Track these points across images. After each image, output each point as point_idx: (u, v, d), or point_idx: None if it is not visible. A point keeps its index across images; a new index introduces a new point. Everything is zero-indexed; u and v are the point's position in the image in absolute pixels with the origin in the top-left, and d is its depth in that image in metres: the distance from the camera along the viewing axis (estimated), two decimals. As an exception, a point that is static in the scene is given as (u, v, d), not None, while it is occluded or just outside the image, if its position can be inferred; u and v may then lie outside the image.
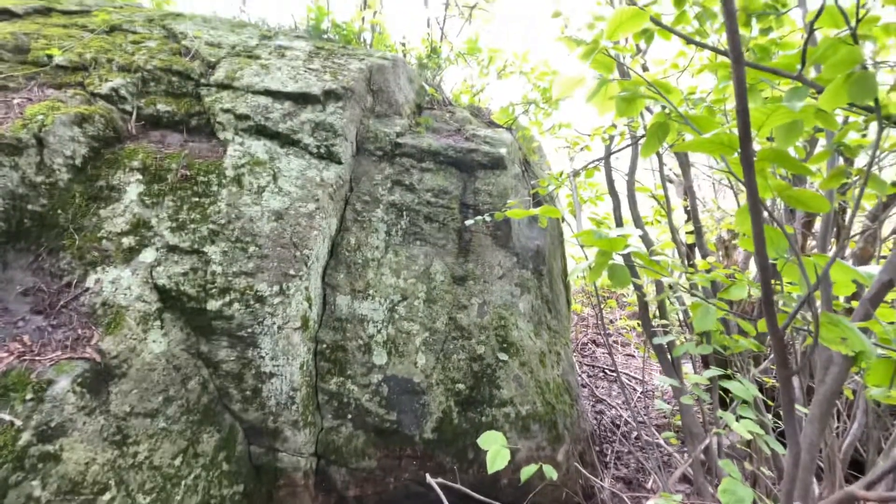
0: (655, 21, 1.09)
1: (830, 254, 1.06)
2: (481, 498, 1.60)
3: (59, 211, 1.75)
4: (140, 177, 1.88)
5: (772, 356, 2.32)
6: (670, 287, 2.39)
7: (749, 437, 1.49)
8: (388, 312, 2.43)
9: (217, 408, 1.89)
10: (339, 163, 2.37)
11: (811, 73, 1.19)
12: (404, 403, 2.35)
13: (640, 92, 0.97)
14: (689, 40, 1.07)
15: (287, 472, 2.08)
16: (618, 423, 3.70)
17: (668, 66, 2.60)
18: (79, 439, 1.33)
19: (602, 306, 4.50)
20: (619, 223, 2.98)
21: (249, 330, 1.90)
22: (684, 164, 3.21)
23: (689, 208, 3.30)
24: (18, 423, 1.21)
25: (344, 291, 2.36)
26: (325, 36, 3.40)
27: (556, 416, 2.65)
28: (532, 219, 3.13)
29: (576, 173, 2.45)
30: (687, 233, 3.58)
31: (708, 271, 2.99)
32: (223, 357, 1.89)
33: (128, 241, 1.76)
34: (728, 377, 1.81)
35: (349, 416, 2.27)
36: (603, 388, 4.41)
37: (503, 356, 2.57)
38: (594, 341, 5.55)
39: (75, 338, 1.47)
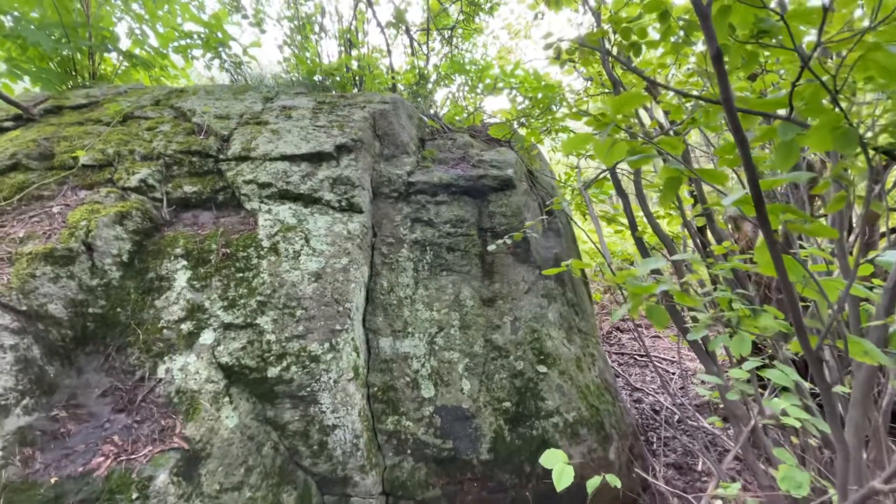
0: (650, 80, 1.19)
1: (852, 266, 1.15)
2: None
3: (118, 309, 1.86)
4: (185, 262, 1.99)
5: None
6: (700, 284, 2.48)
7: (798, 424, 1.58)
8: (428, 346, 2.53)
9: (290, 466, 2.00)
10: (361, 212, 2.48)
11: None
12: (457, 430, 2.45)
13: (648, 151, 1.06)
14: (683, 94, 1.17)
15: (361, 514, 2.19)
16: (657, 408, 3.79)
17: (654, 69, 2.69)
18: (185, 525, 1.44)
19: (624, 294, 4.59)
20: (632, 221, 3.06)
21: (308, 389, 2.01)
22: (686, 154, 3.30)
23: (695, 193, 3.39)
24: (133, 522, 1.32)
25: (385, 333, 2.46)
26: (320, 82, 3.51)
27: (602, 416, 2.75)
28: (547, 229, 3.23)
29: (587, 186, 2.54)
30: (696, 216, 3.67)
31: (725, 256, 3.09)
32: (288, 418, 2.00)
33: (186, 326, 1.87)
34: (766, 365, 1.90)
35: (408, 451, 2.37)
36: (636, 374, 4.50)
37: (542, 368, 2.67)
38: (618, 328, 5.64)
39: (160, 429, 1.58)
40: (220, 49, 3.13)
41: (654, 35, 2.43)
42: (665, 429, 3.47)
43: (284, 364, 1.96)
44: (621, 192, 3.12)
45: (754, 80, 2.73)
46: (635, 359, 4.89)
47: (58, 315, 1.73)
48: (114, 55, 3.40)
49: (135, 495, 1.39)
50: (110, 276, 1.91)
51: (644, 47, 2.25)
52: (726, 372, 3.58)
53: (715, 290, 2.27)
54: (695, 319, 2.86)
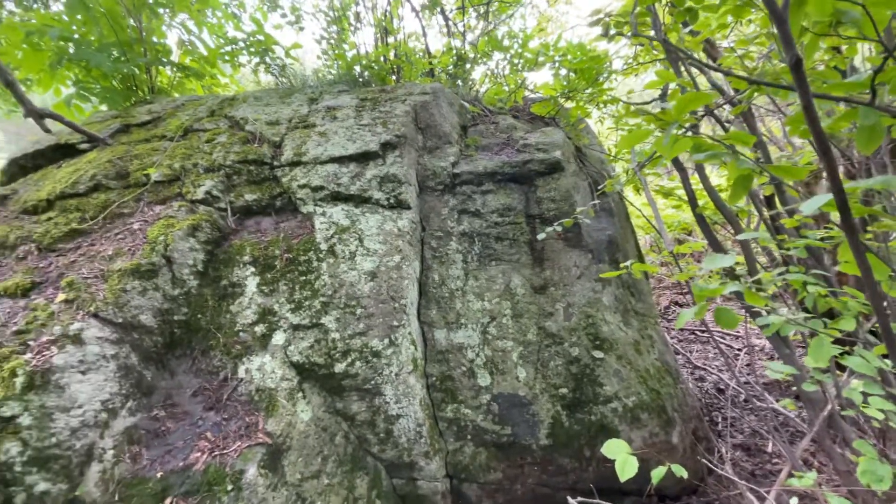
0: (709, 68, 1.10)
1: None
2: None
3: (199, 315, 2.04)
4: (253, 269, 2.13)
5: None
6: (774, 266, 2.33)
7: (880, 416, 1.48)
8: (481, 336, 2.57)
9: (360, 453, 2.14)
10: (409, 208, 2.51)
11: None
12: (515, 416, 2.50)
13: (716, 148, 1.00)
14: (752, 80, 1.08)
15: (427, 497, 2.31)
16: (721, 387, 3.66)
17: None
18: (274, 513, 1.60)
19: (679, 265, 4.38)
20: (691, 196, 2.90)
21: (373, 382, 2.12)
22: (748, 116, 3.05)
23: (761, 158, 3.14)
24: (232, 511, 1.48)
25: (439, 325, 2.53)
26: (359, 75, 3.53)
27: (663, 400, 2.70)
28: (599, 209, 3.12)
29: (641, 166, 2.43)
30: (763, 184, 3.40)
31: (797, 229, 2.87)
32: (356, 409, 2.13)
33: (259, 329, 2.01)
34: (846, 351, 1.77)
35: (469, 437, 2.46)
36: (697, 351, 4.34)
37: (598, 353, 2.65)
38: (676, 302, 5.43)
39: (246, 426, 1.74)
40: (265, 54, 3.23)
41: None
42: (730, 409, 3.35)
43: (349, 360, 2.07)
44: (679, 166, 2.95)
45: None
46: (696, 334, 4.70)
47: (148, 324, 1.92)
48: (168, 68, 3.59)
49: (230, 487, 1.56)
50: (189, 285, 2.08)
51: (700, 12, 2.07)
52: (799, 353, 3.38)
53: (787, 270, 2.13)
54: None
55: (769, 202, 3.57)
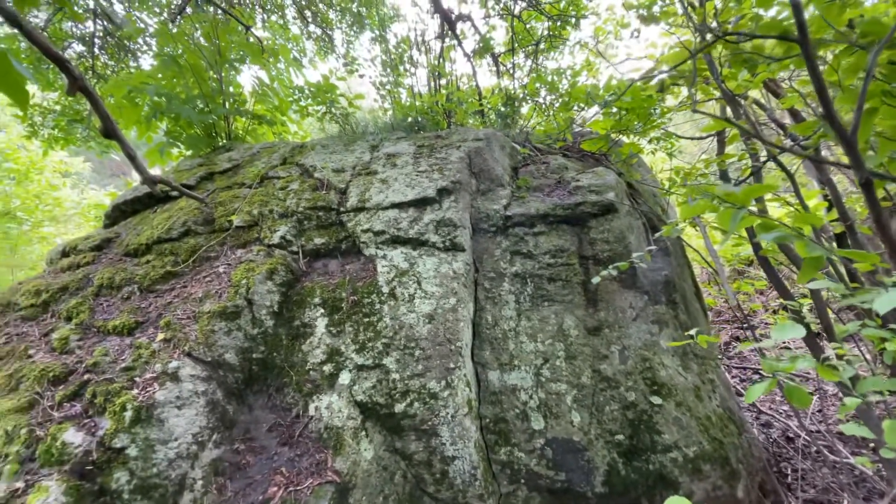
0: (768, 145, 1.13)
1: None
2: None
3: (274, 353, 2.22)
4: (322, 310, 2.30)
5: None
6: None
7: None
8: (534, 378, 2.60)
9: (417, 493, 2.21)
10: (463, 250, 2.62)
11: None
12: (570, 462, 2.48)
13: (784, 231, 1.03)
14: (818, 160, 1.10)
15: (482, 539, 2.33)
16: (790, 435, 3.43)
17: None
18: (343, 550, 1.69)
19: (739, 299, 4.20)
20: (754, 243, 2.82)
21: (430, 423, 2.20)
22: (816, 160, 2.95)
23: (828, 196, 3.02)
24: (307, 547, 1.60)
25: (492, 367, 2.58)
26: (414, 119, 3.74)
27: (727, 450, 2.59)
28: (655, 250, 3.09)
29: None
30: (831, 221, 3.24)
31: (872, 273, 2.71)
32: (413, 449, 2.21)
33: (328, 368, 2.16)
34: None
35: (522, 481, 2.46)
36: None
37: (656, 399, 2.59)
38: (736, 338, 5.15)
39: (316, 463, 1.87)
40: (331, 105, 3.52)
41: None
42: (801, 460, 3.13)
43: (408, 400, 2.17)
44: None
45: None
46: (760, 374, 4.43)
47: (232, 362, 2.12)
48: (244, 117, 3.97)
49: (304, 523, 1.68)
50: (266, 325, 2.28)
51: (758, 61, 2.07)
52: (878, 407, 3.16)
53: (864, 323, 2.03)
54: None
55: (840, 240, 3.38)
